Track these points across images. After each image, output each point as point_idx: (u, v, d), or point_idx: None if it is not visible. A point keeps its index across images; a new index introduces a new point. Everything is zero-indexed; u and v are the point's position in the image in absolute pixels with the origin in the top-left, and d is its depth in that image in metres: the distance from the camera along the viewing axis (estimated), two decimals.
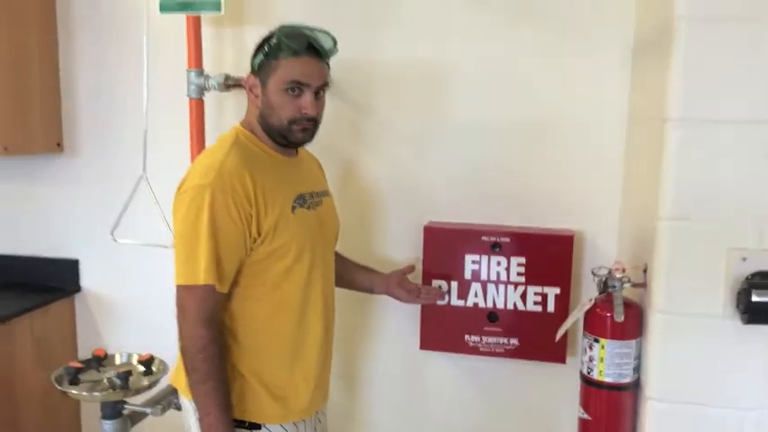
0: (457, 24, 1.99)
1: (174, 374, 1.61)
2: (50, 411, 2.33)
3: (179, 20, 2.05)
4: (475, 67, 1.99)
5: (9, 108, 2.16)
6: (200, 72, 2.02)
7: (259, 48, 1.55)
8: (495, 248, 1.91)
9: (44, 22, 2.26)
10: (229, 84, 2.01)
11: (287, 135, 1.54)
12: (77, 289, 2.42)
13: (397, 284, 1.87)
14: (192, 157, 2.04)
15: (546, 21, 1.94)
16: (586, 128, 1.95)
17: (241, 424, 1.51)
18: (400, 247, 2.09)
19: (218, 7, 1.95)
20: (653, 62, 1.58)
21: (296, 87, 1.50)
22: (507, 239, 1.90)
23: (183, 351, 1.45)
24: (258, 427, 1.53)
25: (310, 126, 1.55)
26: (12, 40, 2.15)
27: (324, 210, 1.66)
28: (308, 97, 1.51)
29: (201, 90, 2.02)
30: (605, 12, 1.89)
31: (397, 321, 2.11)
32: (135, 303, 2.38)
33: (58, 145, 2.32)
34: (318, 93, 1.54)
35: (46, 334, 2.32)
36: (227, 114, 2.16)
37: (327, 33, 1.55)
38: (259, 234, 1.47)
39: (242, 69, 2.10)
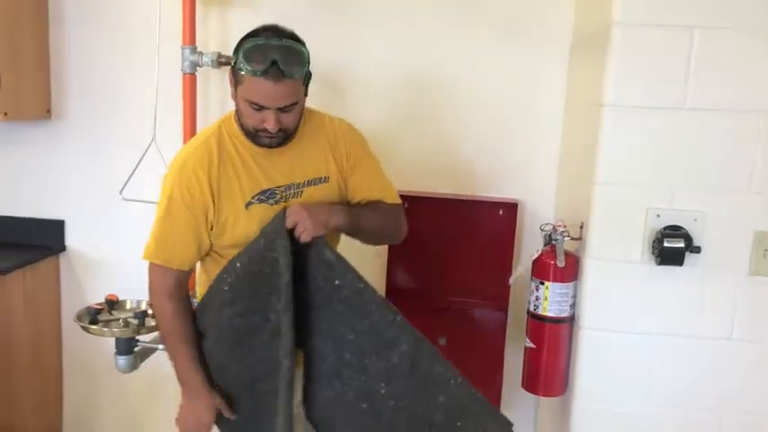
0: (421, 28, 2.31)
1: None
2: (38, 360, 2.49)
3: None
4: (438, 63, 2.31)
5: (5, 77, 2.26)
6: (194, 49, 2.22)
7: (236, 48, 1.49)
8: None
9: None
10: (221, 61, 2.22)
11: (254, 139, 1.53)
12: (62, 248, 2.57)
13: None
14: (185, 126, 2.25)
15: (498, 20, 2.29)
16: (530, 112, 2.31)
17: None
18: None
19: None
20: (590, 57, 1.93)
21: (256, 105, 1.46)
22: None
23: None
24: None
25: (278, 135, 1.50)
26: (3, 11, 2.25)
27: (301, 201, 1.60)
28: (269, 116, 1.46)
29: (195, 66, 2.22)
30: (549, 15, 2.26)
31: None
32: (117, 261, 2.55)
33: (48, 112, 2.46)
34: (285, 108, 1.47)
35: (34, 289, 2.47)
36: (214, 89, 2.39)
37: (299, 48, 1.47)
38: (212, 228, 1.56)
39: (228, 48, 2.33)
